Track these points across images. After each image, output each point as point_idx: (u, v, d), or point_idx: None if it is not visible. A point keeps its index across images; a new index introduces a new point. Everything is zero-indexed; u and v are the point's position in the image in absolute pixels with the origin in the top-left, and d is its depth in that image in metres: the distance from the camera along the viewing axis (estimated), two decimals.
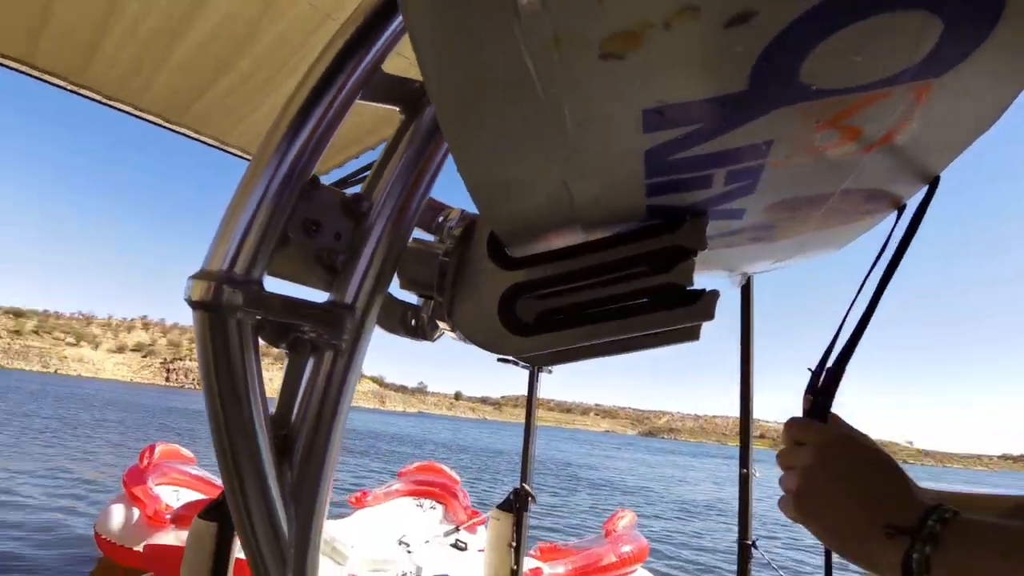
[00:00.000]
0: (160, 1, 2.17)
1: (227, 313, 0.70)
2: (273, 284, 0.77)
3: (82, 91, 2.74)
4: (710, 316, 0.77)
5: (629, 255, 0.79)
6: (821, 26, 0.45)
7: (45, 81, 2.65)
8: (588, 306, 0.80)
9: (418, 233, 0.95)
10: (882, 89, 0.53)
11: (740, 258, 1.08)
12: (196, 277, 0.69)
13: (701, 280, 0.82)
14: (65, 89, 2.71)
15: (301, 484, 0.74)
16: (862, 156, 0.65)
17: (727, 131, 0.58)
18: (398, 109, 0.89)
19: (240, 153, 3.34)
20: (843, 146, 0.63)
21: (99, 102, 2.82)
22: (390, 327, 0.95)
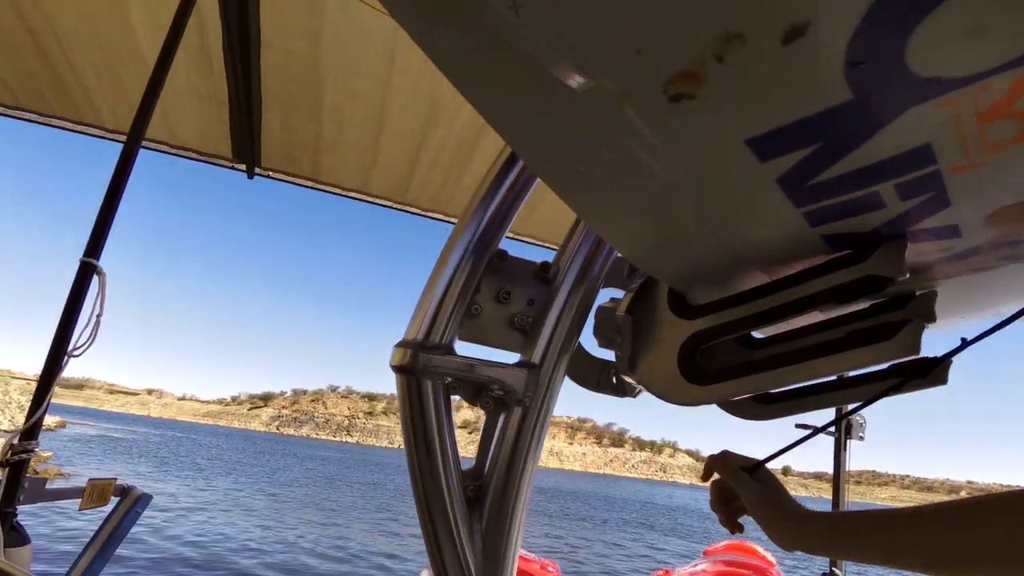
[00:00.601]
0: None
1: (422, 376, 0.82)
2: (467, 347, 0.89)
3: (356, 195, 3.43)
4: (914, 350, 0.66)
5: (813, 292, 0.73)
6: (899, 17, 0.40)
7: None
8: (768, 349, 0.75)
9: (616, 292, 1.00)
10: None
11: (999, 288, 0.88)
12: (397, 345, 0.83)
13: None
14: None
15: (491, 531, 0.81)
16: None
17: (860, 144, 0.53)
18: None
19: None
20: None
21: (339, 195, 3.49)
22: (590, 385, 0.99)
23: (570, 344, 0.89)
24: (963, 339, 0.72)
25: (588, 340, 0.99)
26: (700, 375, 0.79)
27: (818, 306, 0.72)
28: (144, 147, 3.51)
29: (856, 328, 0.71)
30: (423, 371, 0.82)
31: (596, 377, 0.99)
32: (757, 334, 0.90)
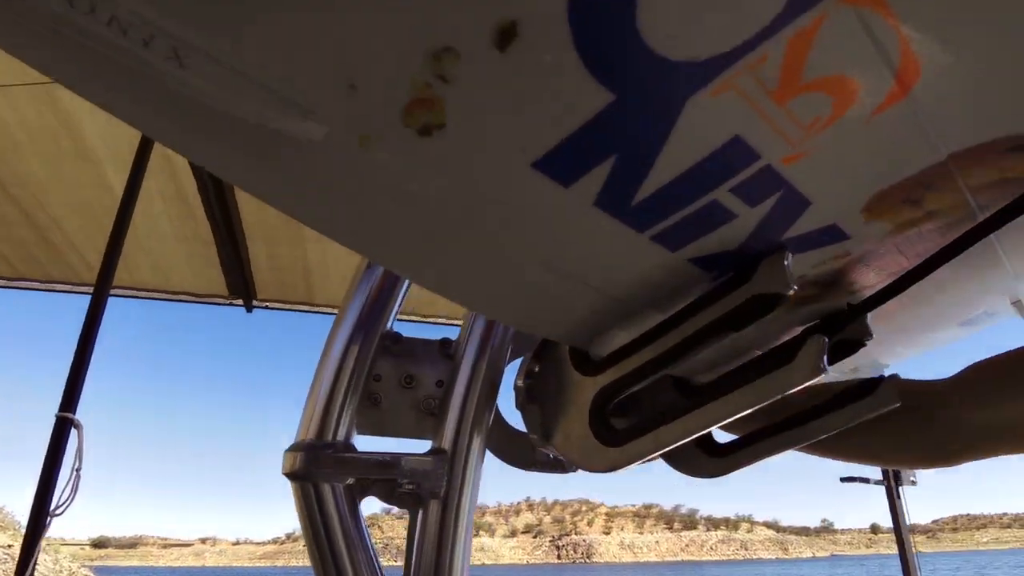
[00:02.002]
0: None
1: (318, 480, 0.75)
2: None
3: None
4: (816, 371, 0.58)
5: (707, 322, 0.66)
6: None
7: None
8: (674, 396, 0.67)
9: None
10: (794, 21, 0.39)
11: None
12: (288, 450, 0.77)
13: None
14: None
15: None
16: (896, 102, 0.46)
17: (660, 148, 0.48)
18: None
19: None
20: (851, 104, 0.46)
21: None
22: (522, 464, 0.90)
23: (482, 423, 0.82)
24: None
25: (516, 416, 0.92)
26: (613, 435, 0.71)
27: (715, 336, 0.65)
28: (141, 297, 3.69)
29: (757, 357, 0.63)
30: (319, 474, 0.75)
31: (529, 455, 0.90)
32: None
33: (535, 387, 0.80)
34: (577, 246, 0.57)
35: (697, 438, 0.87)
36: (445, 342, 0.86)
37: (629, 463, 0.69)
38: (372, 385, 0.83)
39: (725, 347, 0.68)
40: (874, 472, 2.84)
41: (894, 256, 0.69)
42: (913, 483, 3.02)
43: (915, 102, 0.47)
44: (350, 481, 0.79)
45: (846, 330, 0.77)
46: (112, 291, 3.34)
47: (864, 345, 0.78)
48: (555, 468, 0.90)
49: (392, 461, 0.78)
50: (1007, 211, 0.61)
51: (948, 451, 0.80)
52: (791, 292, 0.60)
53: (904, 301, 0.93)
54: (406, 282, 0.87)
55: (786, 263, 0.61)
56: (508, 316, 0.67)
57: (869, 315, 0.79)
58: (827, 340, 0.59)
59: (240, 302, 3.27)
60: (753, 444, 0.83)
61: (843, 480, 2.67)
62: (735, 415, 0.62)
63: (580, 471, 0.93)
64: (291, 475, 0.76)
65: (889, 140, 0.50)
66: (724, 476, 0.85)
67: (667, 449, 0.67)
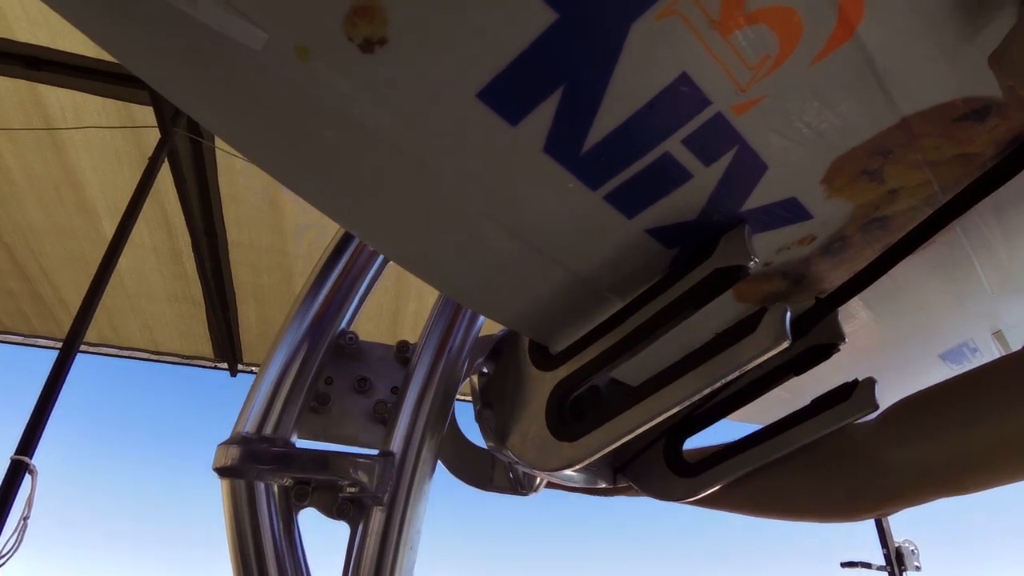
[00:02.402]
0: None
1: (252, 477, 0.70)
2: None
3: None
4: (782, 336, 0.55)
5: (669, 301, 0.63)
6: None
7: None
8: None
9: None
10: None
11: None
12: (221, 444, 0.72)
13: None
14: None
15: None
16: (845, 41, 0.46)
17: (606, 81, 0.47)
18: None
19: None
20: (797, 43, 0.46)
21: None
22: (480, 483, 0.84)
23: (435, 429, 0.77)
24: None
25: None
26: (569, 429, 0.66)
27: (677, 315, 0.62)
28: (124, 356, 3.64)
29: (721, 332, 0.60)
30: (252, 470, 0.70)
31: (488, 473, 0.85)
32: None
33: (491, 388, 0.75)
34: (527, 199, 0.55)
35: (667, 457, 0.82)
36: (402, 346, 0.82)
37: (585, 458, 0.64)
38: (322, 387, 0.79)
39: (684, 337, 0.64)
40: (876, 557, 2.67)
41: (861, 249, 0.67)
42: (917, 568, 2.83)
43: (862, 48, 0.47)
44: (287, 483, 0.73)
45: (819, 333, 0.75)
46: (96, 348, 3.32)
47: (837, 349, 0.74)
48: (515, 489, 0.83)
49: (334, 460, 0.73)
50: (968, 193, 0.60)
51: (872, 499, 0.73)
52: (752, 264, 0.58)
53: (882, 329, 0.91)
54: (366, 281, 0.85)
55: (746, 235, 0.59)
56: (451, 282, 0.63)
57: (848, 349, 0.76)
58: (787, 309, 0.56)
59: (225, 366, 3.22)
60: (727, 459, 0.78)
61: (843, 566, 2.50)
62: (697, 394, 0.59)
63: (538, 493, 0.87)
64: (221, 470, 0.70)
65: (840, 90, 0.50)
66: (696, 498, 0.79)
67: (623, 441, 0.62)
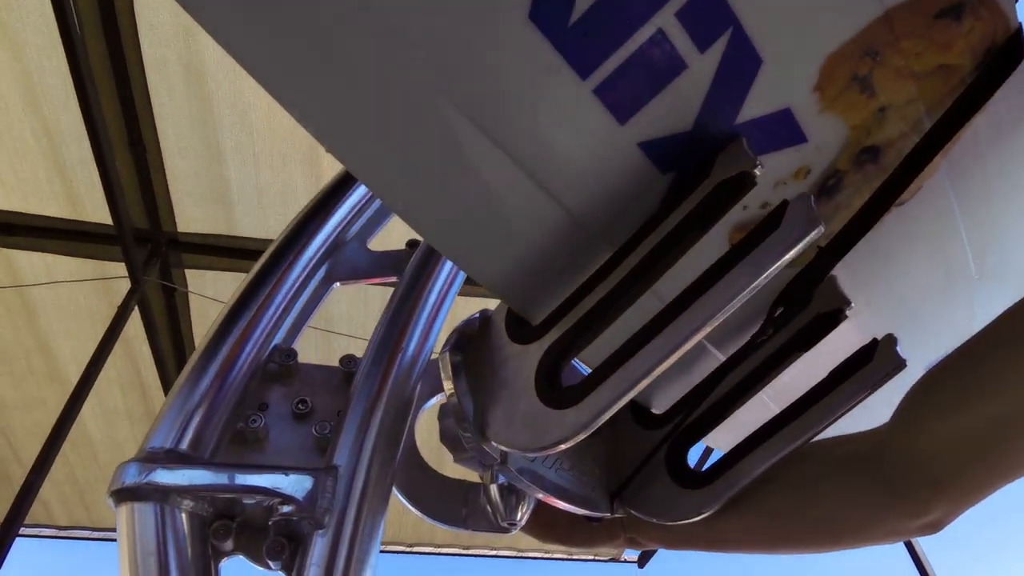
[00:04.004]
0: None
1: (157, 500, 0.52)
2: None
3: None
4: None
5: (669, 230, 0.55)
6: None
7: None
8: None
9: None
10: None
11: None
12: (120, 465, 0.54)
13: None
14: None
15: None
16: None
17: None
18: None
19: None
20: None
21: None
22: (451, 519, 0.68)
23: (388, 443, 0.62)
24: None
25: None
26: (567, 394, 0.54)
27: (679, 247, 0.54)
28: (97, 539, 3.23)
29: (733, 245, 0.53)
30: (158, 493, 0.52)
31: (460, 508, 0.68)
32: None
33: (462, 380, 0.62)
34: (506, 78, 0.48)
35: (670, 468, 0.69)
36: (347, 359, 0.69)
37: (591, 423, 0.51)
38: (252, 412, 0.64)
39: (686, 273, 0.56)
40: None
41: (857, 189, 0.64)
42: None
43: None
44: (205, 513, 0.55)
45: (823, 299, 0.68)
46: (66, 533, 2.98)
47: (845, 316, 0.68)
48: (492, 525, 0.66)
49: (263, 473, 0.56)
50: (952, 114, 0.59)
51: (921, 510, 0.63)
52: (758, 170, 0.52)
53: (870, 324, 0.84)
54: (307, 291, 0.73)
55: (745, 145, 0.54)
56: (403, 196, 0.52)
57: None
58: (811, 195, 0.49)
59: None
60: (745, 456, 0.65)
61: None
62: (721, 314, 0.49)
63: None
64: (119, 492, 0.53)
65: None
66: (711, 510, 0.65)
67: (629, 396, 0.51)
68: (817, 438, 0.66)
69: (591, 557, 4.58)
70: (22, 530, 2.33)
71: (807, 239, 0.47)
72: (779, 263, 0.48)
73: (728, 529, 0.70)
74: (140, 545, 0.51)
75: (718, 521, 0.68)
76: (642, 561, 4.89)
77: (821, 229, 0.47)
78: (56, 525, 3.70)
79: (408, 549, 4.42)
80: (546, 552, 4.86)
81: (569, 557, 4.90)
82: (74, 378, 2.57)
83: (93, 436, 2.92)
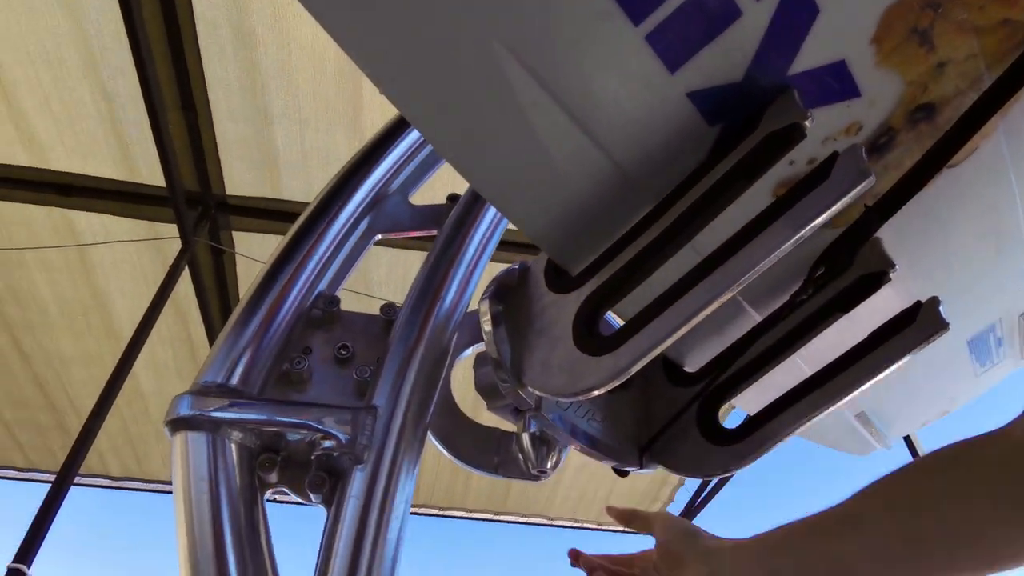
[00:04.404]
0: None
1: (211, 431, 0.55)
2: None
3: None
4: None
5: (716, 180, 0.55)
6: None
7: None
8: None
9: None
10: None
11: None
12: (177, 395, 0.57)
13: None
14: None
15: None
16: None
17: None
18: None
19: None
20: None
21: None
22: (484, 465, 0.70)
23: (426, 386, 0.64)
24: None
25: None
26: (604, 342, 0.54)
27: (720, 201, 0.54)
28: (148, 490, 3.44)
29: (782, 194, 0.52)
30: (211, 422, 0.55)
31: (493, 455, 0.69)
32: None
33: (500, 328, 0.63)
34: (558, 22, 0.48)
35: (701, 425, 0.70)
36: (387, 307, 0.71)
37: (626, 370, 0.52)
38: (297, 354, 0.66)
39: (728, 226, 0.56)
40: None
41: (909, 149, 0.62)
42: None
43: None
44: (252, 444, 0.58)
45: (866, 261, 0.67)
46: (118, 483, 3.16)
47: (888, 278, 0.66)
48: (524, 473, 0.68)
49: (307, 409, 0.58)
50: (1013, 73, 0.57)
51: None
52: (808, 123, 0.52)
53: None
54: (350, 241, 0.75)
55: (796, 97, 0.53)
56: (452, 141, 0.53)
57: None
58: (862, 146, 0.48)
59: None
60: (777, 416, 0.65)
61: None
62: (763, 265, 0.49)
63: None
64: (174, 423, 0.56)
65: None
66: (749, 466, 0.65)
67: (664, 345, 0.51)
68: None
69: (621, 528, 4.61)
70: (77, 479, 2.47)
71: (856, 190, 0.47)
72: (827, 214, 0.47)
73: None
74: (194, 471, 0.54)
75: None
76: None
77: (872, 179, 0.47)
78: (109, 475, 3.87)
79: (440, 512, 4.52)
80: (576, 521, 4.92)
81: (599, 527, 4.95)
82: (128, 334, 2.69)
83: (145, 390, 3.03)
